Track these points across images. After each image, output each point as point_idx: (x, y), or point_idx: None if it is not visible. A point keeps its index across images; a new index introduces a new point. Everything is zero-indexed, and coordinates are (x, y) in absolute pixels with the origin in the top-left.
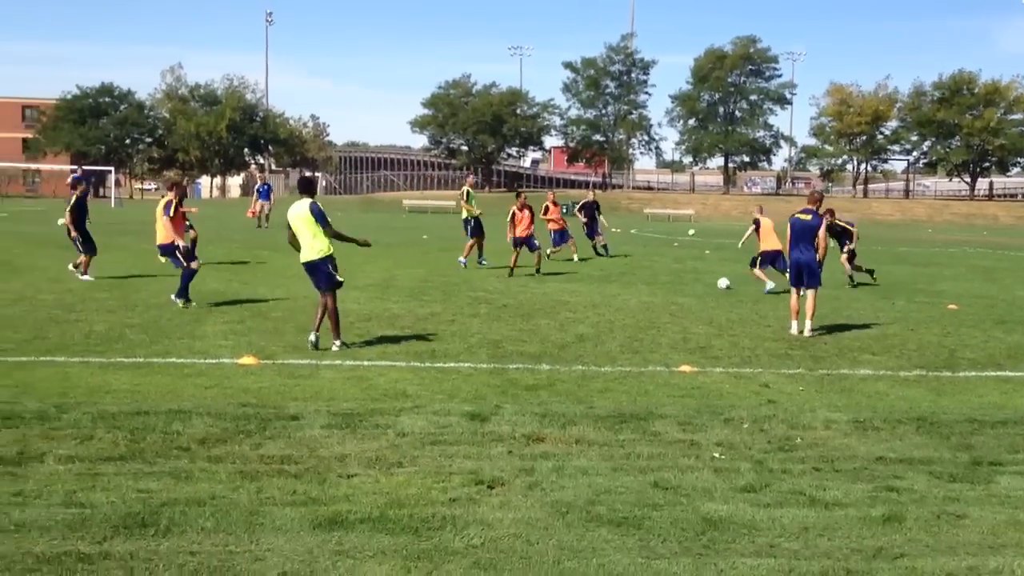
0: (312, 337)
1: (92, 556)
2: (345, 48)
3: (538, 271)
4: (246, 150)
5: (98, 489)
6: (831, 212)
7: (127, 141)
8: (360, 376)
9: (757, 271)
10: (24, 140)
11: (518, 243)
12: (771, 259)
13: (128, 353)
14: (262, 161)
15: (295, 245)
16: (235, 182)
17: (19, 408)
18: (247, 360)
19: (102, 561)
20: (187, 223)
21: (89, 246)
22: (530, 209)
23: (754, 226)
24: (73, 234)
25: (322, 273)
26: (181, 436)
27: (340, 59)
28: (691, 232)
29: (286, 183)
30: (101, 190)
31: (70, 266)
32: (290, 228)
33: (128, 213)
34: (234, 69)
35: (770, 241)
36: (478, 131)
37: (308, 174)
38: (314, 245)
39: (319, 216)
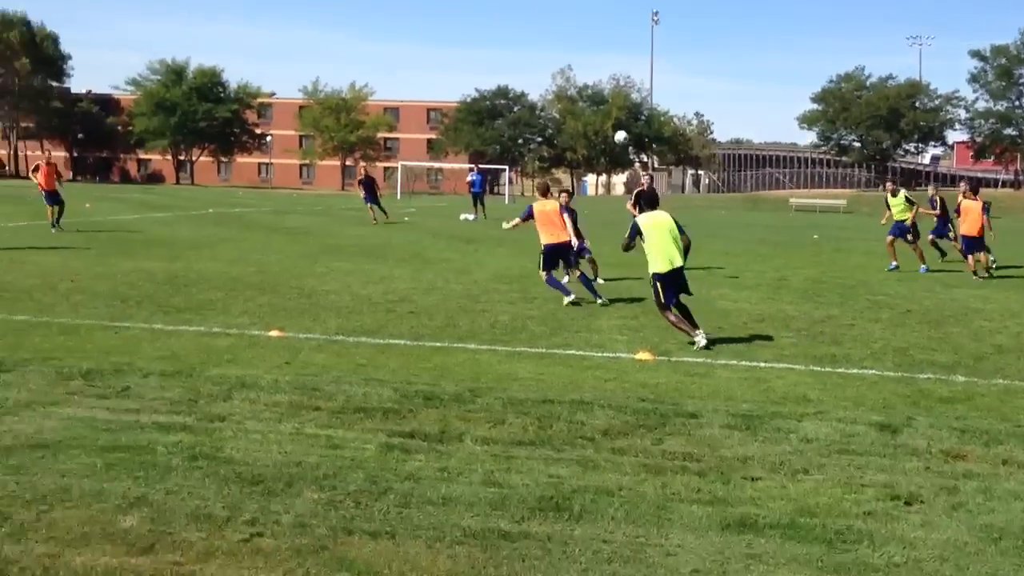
0: (701, 339)
1: (513, 534)
2: (731, 45)
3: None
4: (630, 148)
5: (513, 471)
6: None
7: (520, 140)
8: (758, 377)
9: None
10: (428, 141)
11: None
12: None
13: (531, 343)
14: (645, 159)
15: (626, 249)
16: (619, 180)
17: (438, 390)
18: (643, 356)
19: (523, 540)
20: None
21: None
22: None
23: None
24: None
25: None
26: (585, 426)
27: (725, 56)
28: None
29: (669, 182)
30: (496, 187)
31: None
32: (640, 234)
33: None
34: (620, 69)
35: None
36: (872, 126)
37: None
38: (678, 252)
39: (680, 227)
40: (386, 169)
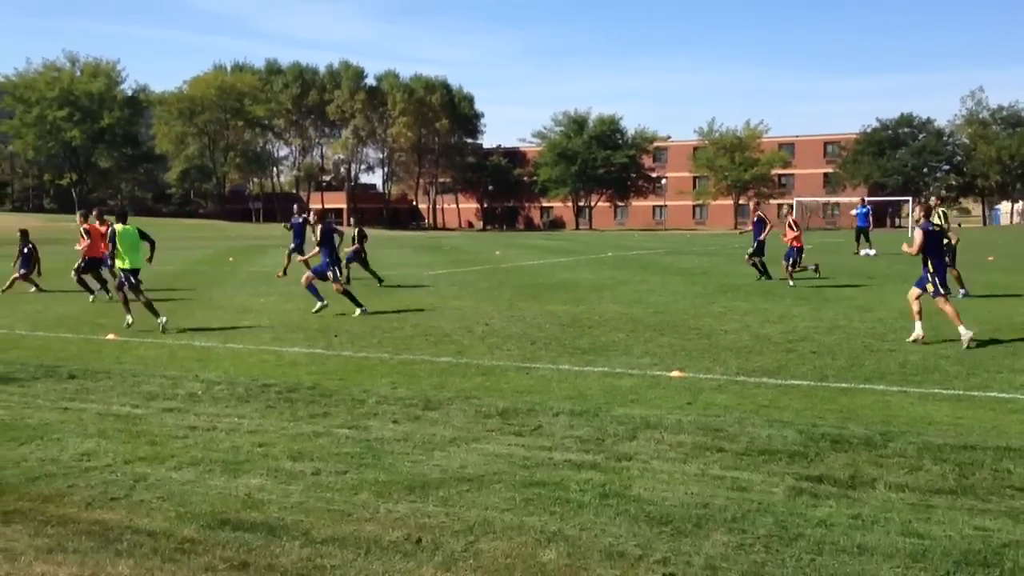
0: None
1: None
2: None
3: None
4: None
5: (933, 521)
6: None
7: (924, 170)
8: None
9: None
10: (825, 175)
11: None
12: None
13: (945, 385)
14: None
15: None
16: None
17: (847, 433)
18: None
19: None
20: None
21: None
22: None
23: None
24: None
25: None
26: (1012, 475)
27: None
28: None
29: None
30: (896, 220)
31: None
32: None
33: None
34: None
35: None
36: None
37: None
38: None
39: None
40: (779, 205)
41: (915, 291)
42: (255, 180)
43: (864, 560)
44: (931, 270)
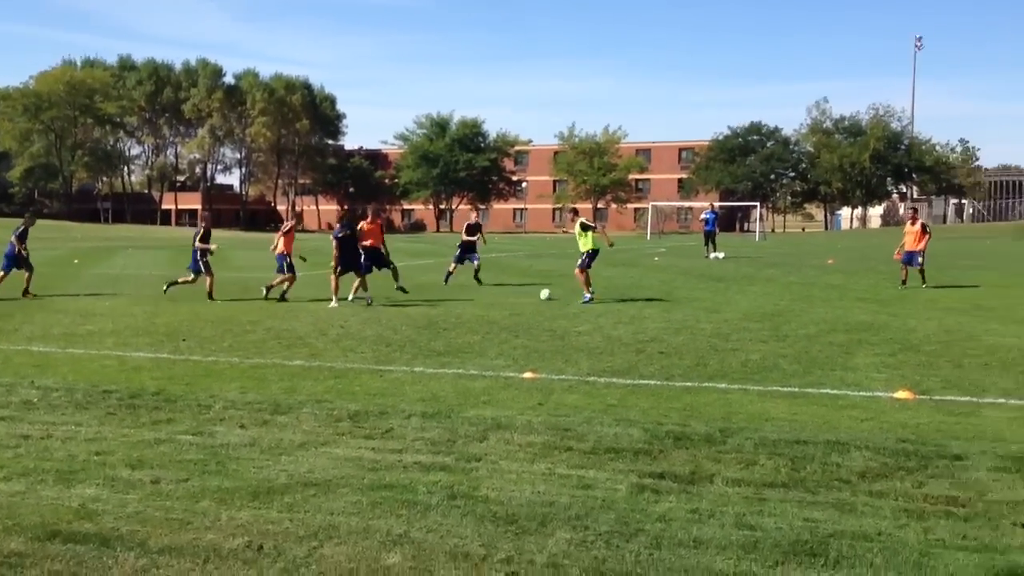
0: None
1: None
2: (998, 65)
3: None
4: (888, 179)
5: (765, 514)
6: None
7: (772, 176)
8: None
9: None
10: (679, 180)
11: None
12: None
13: (783, 382)
14: (904, 190)
15: None
16: (876, 212)
17: (689, 430)
18: (903, 394)
19: None
20: None
21: None
22: None
23: None
24: None
25: None
26: (841, 468)
27: (993, 77)
28: None
29: (929, 211)
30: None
31: None
32: None
33: (770, 246)
34: (879, 98)
35: None
36: None
37: None
38: None
39: None
40: (636, 210)
41: None
42: (104, 179)
43: (699, 553)
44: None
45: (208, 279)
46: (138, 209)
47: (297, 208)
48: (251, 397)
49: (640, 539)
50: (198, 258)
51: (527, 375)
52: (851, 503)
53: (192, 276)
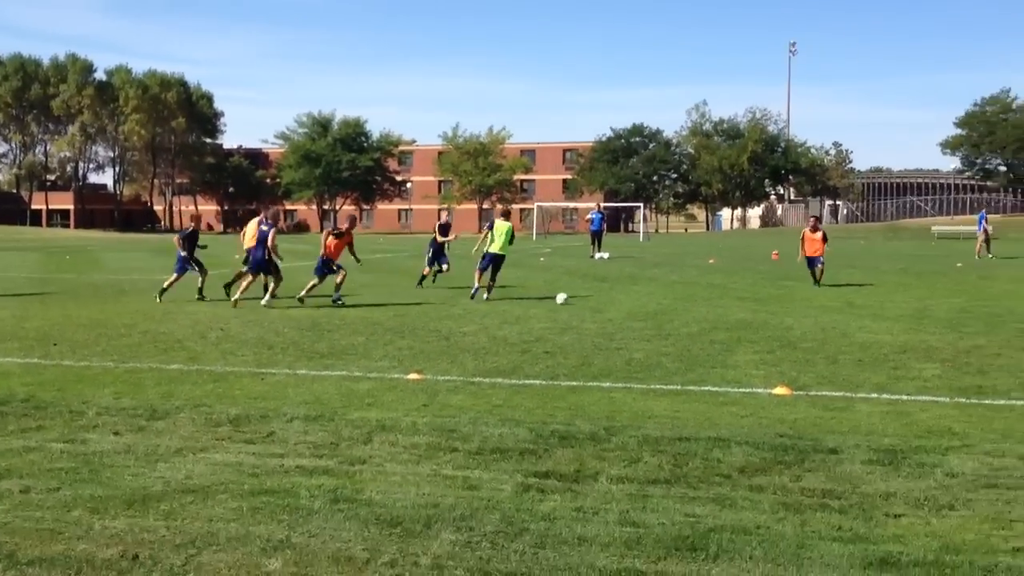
0: None
1: (648, 574)
2: (870, 71)
3: None
4: (766, 181)
5: (648, 510)
6: None
7: (654, 177)
8: (900, 411)
9: None
10: (564, 181)
11: None
12: None
13: (666, 380)
14: (781, 191)
15: None
16: (755, 213)
17: (574, 429)
18: (780, 390)
19: None
20: None
21: None
22: None
23: None
24: None
25: None
26: (721, 463)
27: (864, 83)
28: None
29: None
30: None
31: None
32: None
33: (654, 247)
34: (757, 102)
35: None
36: (1018, 149)
37: None
38: None
39: None
40: (522, 210)
41: None
42: None
43: (583, 550)
44: None
45: (200, 277)
46: (6, 209)
47: (323, 210)
48: (126, 403)
49: (525, 538)
50: (187, 258)
51: (412, 376)
52: (731, 498)
53: (177, 276)
